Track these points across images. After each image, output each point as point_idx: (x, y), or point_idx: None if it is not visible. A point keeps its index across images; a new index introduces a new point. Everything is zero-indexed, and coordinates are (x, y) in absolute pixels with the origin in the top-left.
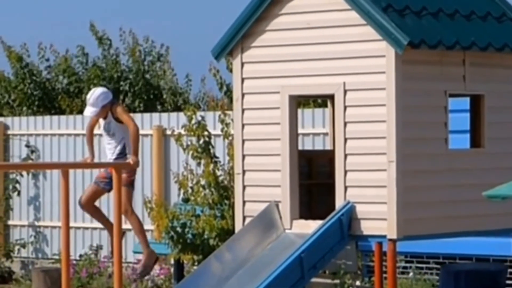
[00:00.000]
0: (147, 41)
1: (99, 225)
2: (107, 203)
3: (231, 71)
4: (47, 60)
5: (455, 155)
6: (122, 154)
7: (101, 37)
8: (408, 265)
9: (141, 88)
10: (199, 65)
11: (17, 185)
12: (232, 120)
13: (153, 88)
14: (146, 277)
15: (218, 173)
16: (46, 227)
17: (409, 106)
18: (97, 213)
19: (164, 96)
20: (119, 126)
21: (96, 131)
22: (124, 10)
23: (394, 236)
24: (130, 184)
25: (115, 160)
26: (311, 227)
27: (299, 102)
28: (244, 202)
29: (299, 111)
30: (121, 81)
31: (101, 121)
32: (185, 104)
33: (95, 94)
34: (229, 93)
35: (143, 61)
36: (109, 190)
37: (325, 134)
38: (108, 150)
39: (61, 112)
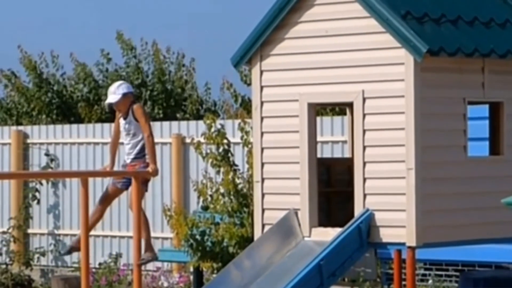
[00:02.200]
0: (168, 52)
1: (119, 233)
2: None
3: (245, 82)
4: (62, 67)
5: (474, 163)
6: (140, 154)
7: (126, 42)
8: (427, 272)
9: (159, 94)
10: (217, 73)
11: (37, 194)
12: (251, 128)
13: (174, 96)
14: (166, 285)
15: (238, 181)
16: (66, 235)
17: (428, 114)
18: (98, 214)
19: (189, 105)
20: (140, 127)
21: (120, 139)
22: (139, 20)
23: (413, 244)
24: (144, 183)
25: (133, 160)
26: (330, 234)
27: (317, 110)
28: (263, 210)
29: (318, 118)
30: (142, 87)
31: (121, 122)
32: (209, 112)
33: (116, 84)
34: (244, 104)
35: (165, 69)
36: (126, 189)
37: (344, 141)
38: (127, 150)
39: (80, 120)
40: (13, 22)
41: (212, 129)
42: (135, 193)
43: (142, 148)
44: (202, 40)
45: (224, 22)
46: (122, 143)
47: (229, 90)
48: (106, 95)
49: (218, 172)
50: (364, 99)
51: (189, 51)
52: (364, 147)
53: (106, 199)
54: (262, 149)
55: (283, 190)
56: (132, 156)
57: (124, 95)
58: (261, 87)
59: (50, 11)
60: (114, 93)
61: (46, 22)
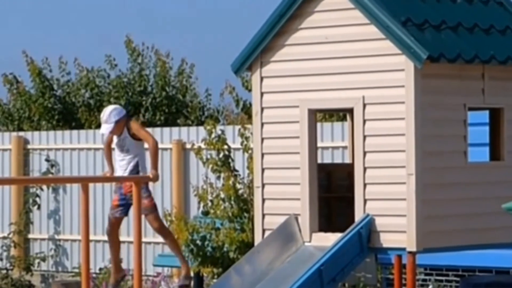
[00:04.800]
0: (168, 56)
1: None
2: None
3: (246, 88)
4: (68, 73)
5: (475, 168)
6: (134, 171)
7: (134, 48)
8: (427, 277)
9: (162, 100)
10: (218, 79)
11: (37, 199)
12: (251, 134)
13: (175, 102)
14: None
15: (238, 186)
16: (66, 240)
17: (428, 120)
18: (115, 246)
19: (192, 113)
20: (134, 143)
21: (113, 145)
22: (141, 25)
23: (414, 249)
24: (155, 209)
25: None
26: (330, 240)
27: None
28: (263, 215)
29: (318, 124)
30: (144, 95)
31: (115, 138)
32: (211, 118)
33: (107, 111)
34: (245, 109)
35: (167, 75)
36: (126, 214)
37: (344, 147)
38: (120, 167)
39: (80, 125)
40: (18, 27)
41: (213, 135)
42: (135, 199)
43: (136, 166)
44: (203, 46)
45: (225, 28)
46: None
47: (231, 94)
48: (108, 101)
49: (218, 178)
50: (364, 105)
51: (189, 57)
52: (365, 153)
53: (113, 229)
54: (263, 154)
55: (283, 195)
56: (126, 173)
57: (117, 122)
58: (262, 93)
59: (55, 15)
60: (106, 122)
61: (52, 26)
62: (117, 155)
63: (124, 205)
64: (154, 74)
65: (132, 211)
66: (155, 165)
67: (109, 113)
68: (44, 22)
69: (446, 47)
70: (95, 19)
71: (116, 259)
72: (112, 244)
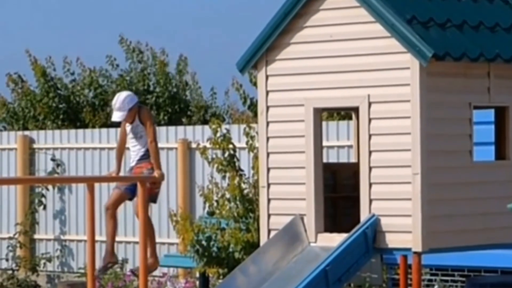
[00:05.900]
0: (163, 53)
1: (124, 239)
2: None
3: (254, 84)
4: (72, 73)
5: (480, 168)
6: (145, 155)
7: (133, 48)
8: (433, 278)
9: (165, 100)
10: (223, 77)
11: (43, 199)
12: (257, 133)
13: (178, 101)
14: None
15: (243, 186)
16: (72, 240)
17: (433, 118)
18: (112, 223)
19: (196, 113)
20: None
21: (126, 145)
22: (144, 25)
23: (419, 249)
24: (153, 199)
25: (138, 161)
26: (336, 240)
27: (322, 115)
28: (269, 215)
29: (324, 123)
30: (148, 95)
31: (128, 126)
32: (215, 117)
33: (121, 97)
34: (252, 107)
35: (169, 74)
36: (130, 199)
37: (350, 146)
38: (133, 152)
39: (85, 125)
40: (22, 26)
41: (218, 134)
42: (141, 198)
43: (148, 151)
44: (208, 45)
45: (230, 26)
46: (128, 148)
47: (238, 90)
48: (111, 100)
49: (224, 177)
50: (369, 104)
51: (193, 56)
52: (370, 152)
53: (112, 204)
54: (268, 154)
55: (289, 195)
56: (138, 158)
57: (130, 110)
58: (267, 92)
59: (59, 15)
60: (120, 109)
61: (56, 25)
62: (130, 141)
63: (132, 185)
64: (154, 72)
65: (137, 213)
66: (158, 165)
67: (123, 100)
68: (47, 21)
69: (451, 46)
70: (96, 19)
71: (112, 240)
72: (109, 220)
